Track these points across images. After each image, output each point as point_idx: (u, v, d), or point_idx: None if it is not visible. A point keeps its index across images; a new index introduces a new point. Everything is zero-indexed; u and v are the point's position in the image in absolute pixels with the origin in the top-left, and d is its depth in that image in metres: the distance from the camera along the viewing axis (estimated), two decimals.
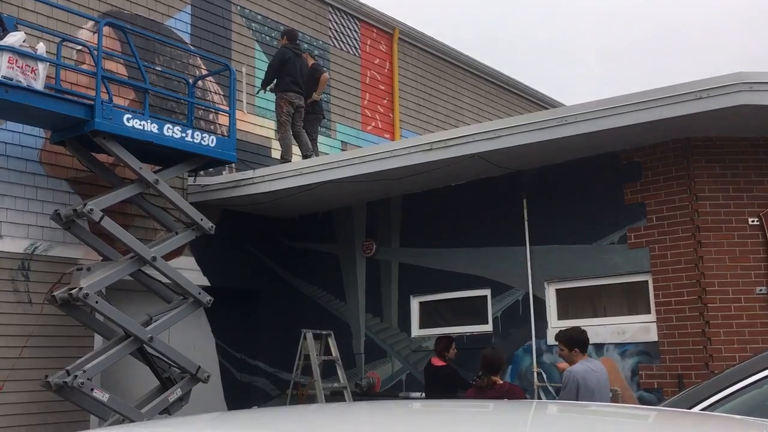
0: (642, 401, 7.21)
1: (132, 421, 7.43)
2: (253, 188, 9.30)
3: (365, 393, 9.42)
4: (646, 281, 7.48)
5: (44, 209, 8.17)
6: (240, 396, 10.32)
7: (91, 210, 7.43)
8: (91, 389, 7.14)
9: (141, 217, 8.94)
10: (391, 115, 13.23)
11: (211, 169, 9.72)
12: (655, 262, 7.36)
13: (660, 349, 7.20)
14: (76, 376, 7.03)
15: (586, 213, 7.90)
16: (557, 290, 8.15)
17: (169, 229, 8.77)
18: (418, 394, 8.94)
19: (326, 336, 9.34)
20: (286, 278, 10.81)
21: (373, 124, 12.87)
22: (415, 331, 9.33)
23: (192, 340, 9.80)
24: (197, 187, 9.53)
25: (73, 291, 7.25)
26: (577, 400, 5.83)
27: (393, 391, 9.29)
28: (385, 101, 13.18)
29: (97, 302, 7.34)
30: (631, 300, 7.65)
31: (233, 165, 10.19)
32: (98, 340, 8.44)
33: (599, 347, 7.64)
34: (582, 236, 7.90)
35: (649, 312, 7.43)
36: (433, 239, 9.21)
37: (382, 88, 13.15)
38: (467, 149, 7.76)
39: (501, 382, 6.14)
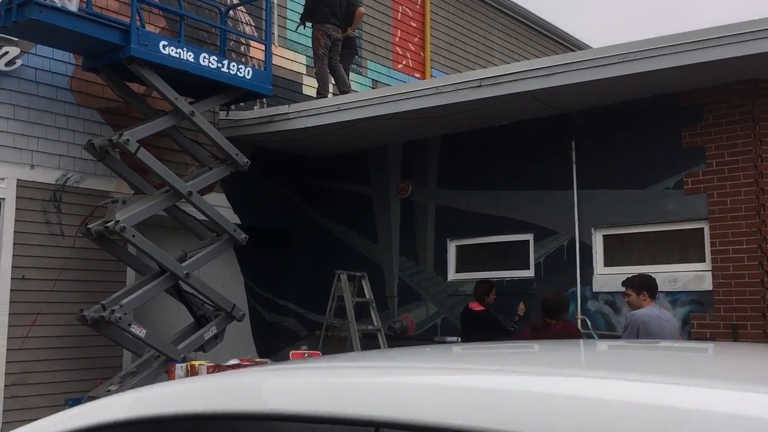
0: None
1: (168, 357, 7.29)
2: (287, 124, 8.98)
3: (398, 336, 9.27)
4: (702, 228, 7.21)
5: (75, 139, 7.88)
6: (268, 336, 10.20)
7: (128, 140, 7.13)
8: (129, 324, 6.97)
9: (172, 151, 8.64)
10: (421, 53, 12.79)
11: (242, 104, 9.39)
12: (713, 209, 7.08)
13: (714, 298, 6.97)
14: (113, 311, 6.85)
15: (640, 157, 7.59)
16: (605, 236, 7.89)
17: (202, 164, 8.48)
18: (453, 339, 8.78)
19: (360, 278, 9.15)
20: (317, 219, 10.57)
21: (404, 62, 12.45)
22: (452, 275, 9.12)
23: (221, 278, 9.61)
24: (229, 121, 9.21)
25: (109, 224, 7.01)
26: None
27: (427, 335, 9.14)
28: (416, 39, 12.73)
29: (133, 236, 7.11)
30: (684, 248, 7.39)
31: (264, 100, 9.87)
32: (130, 275, 8.26)
33: None
34: (634, 181, 7.61)
35: (703, 260, 7.18)
36: (472, 181, 8.92)
37: (414, 25, 12.68)
38: (519, 87, 7.40)
39: (554, 322, 5.94)
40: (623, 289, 7.49)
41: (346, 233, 10.24)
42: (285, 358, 9.52)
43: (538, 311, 7.96)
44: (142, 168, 7.97)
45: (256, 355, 9.96)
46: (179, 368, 6.31)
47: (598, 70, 7.04)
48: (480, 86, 7.60)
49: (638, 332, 5.64)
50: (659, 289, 7.28)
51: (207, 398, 1.85)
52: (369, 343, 8.92)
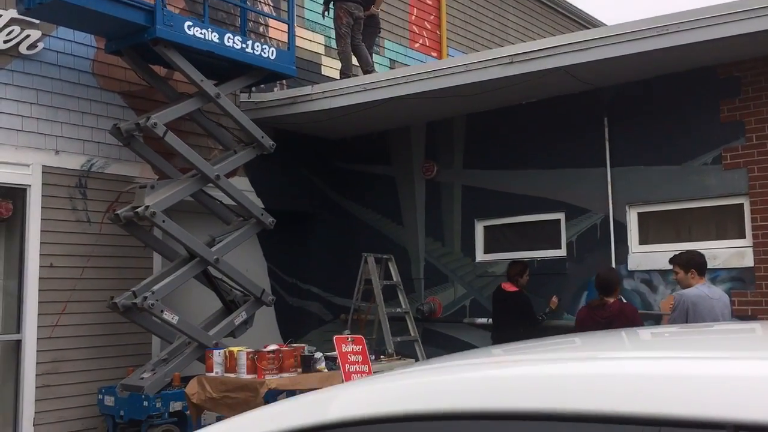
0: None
1: (200, 343, 7.19)
2: (311, 105, 8.82)
3: (426, 318, 9.17)
4: (742, 204, 7.08)
5: (99, 124, 7.73)
6: (292, 320, 10.10)
7: (155, 124, 6.99)
8: (161, 311, 6.86)
9: (194, 135, 8.47)
10: (437, 32, 12.60)
11: (262, 86, 9.22)
12: (754, 184, 6.94)
13: (756, 275, 6.85)
14: (145, 298, 6.74)
15: (676, 132, 7.44)
16: (639, 214, 7.76)
17: (226, 148, 8.34)
18: (483, 320, 8.68)
19: (386, 260, 9.04)
20: (339, 201, 10.44)
21: (420, 41, 12.26)
22: (480, 256, 9.01)
23: (244, 263, 9.47)
24: (250, 104, 9.05)
25: (138, 209, 6.87)
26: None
27: (456, 317, 9.04)
28: (431, 17, 12.53)
29: (164, 221, 6.99)
30: (723, 224, 7.27)
31: (285, 82, 9.70)
32: (157, 261, 8.15)
33: None
34: (670, 157, 7.46)
35: (744, 236, 7.06)
36: (499, 161, 8.78)
37: (429, 3, 12.47)
38: (553, 62, 7.23)
39: (612, 300, 5.81)
40: (659, 267, 7.43)
41: (370, 215, 10.11)
42: (310, 343, 9.43)
43: (568, 297, 7.89)
44: (167, 152, 7.85)
45: (281, 340, 9.88)
46: (217, 354, 6.21)
47: (635, 44, 6.87)
48: (512, 63, 7.44)
49: (687, 314, 5.50)
50: None
51: (471, 394, 1.69)
52: (396, 326, 8.82)
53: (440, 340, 9.12)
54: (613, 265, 7.75)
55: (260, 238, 9.60)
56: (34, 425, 7.01)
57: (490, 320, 8.48)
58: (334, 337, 5.72)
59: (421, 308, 9.17)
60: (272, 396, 5.68)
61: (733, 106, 7.11)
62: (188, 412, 6.81)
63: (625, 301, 5.86)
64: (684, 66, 7.31)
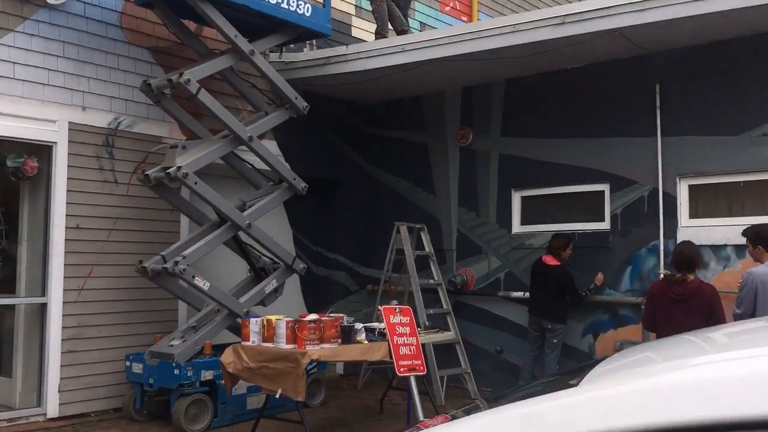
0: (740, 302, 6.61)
1: (231, 311, 6.92)
2: (345, 66, 8.46)
3: (458, 291, 8.88)
4: None
5: (126, 80, 7.40)
6: (317, 290, 9.83)
7: (188, 80, 6.64)
8: (193, 276, 6.58)
9: (223, 95, 8.11)
10: None
11: (292, 46, 8.85)
12: None
13: None
14: (176, 262, 6.45)
15: (733, 101, 7.07)
16: (690, 186, 7.42)
17: (257, 109, 8.00)
18: (519, 294, 8.39)
19: (418, 230, 8.73)
20: (368, 169, 10.11)
21: (451, 5, 11.84)
22: (516, 227, 8.69)
23: (269, 230, 9.16)
24: (280, 64, 8.66)
25: (169, 170, 6.56)
26: (754, 304, 5.21)
27: (489, 290, 8.75)
28: None
29: (196, 183, 6.67)
30: None
31: (314, 42, 9.32)
32: (184, 225, 7.85)
33: (741, 248, 6.96)
34: (726, 127, 7.10)
35: None
36: (540, 129, 8.42)
37: None
38: (608, 23, 6.84)
39: (692, 278, 5.50)
40: (710, 242, 7.11)
41: (400, 184, 9.78)
42: (337, 311, 9.16)
43: (611, 272, 7.58)
44: (196, 112, 7.52)
45: (305, 309, 9.63)
46: (254, 323, 5.93)
47: (696, 5, 6.48)
48: (563, 23, 7.05)
49: (756, 292, 5.18)
50: None
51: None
52: (427, 298, 8.52)
53: (472, 313, 8.85)
54: (662, 239, 7.44)
55: (286, 204, 9.25)
56: (59, 391, 6.77)
57: (527, 294, 8.20)
58: (382, 308, 5.44)
59: (453, 280, 8.88)
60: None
61: None
62: (222, 381, 6.56)
63: (707, 283, 5.55)
64: (742, 31, 6.91)
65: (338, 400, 7.95)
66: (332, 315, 6.03)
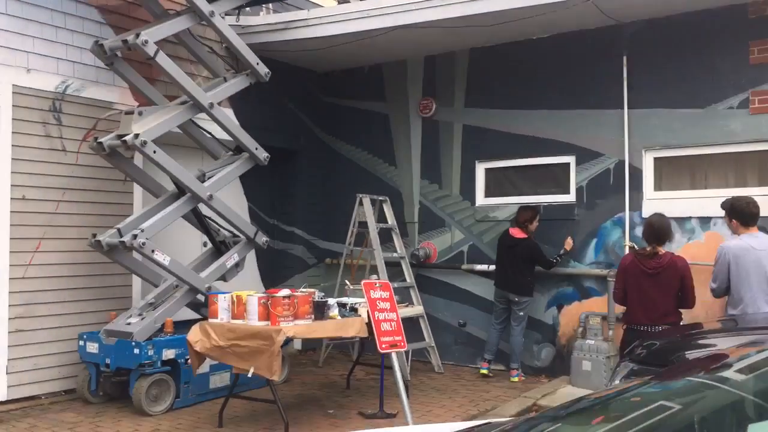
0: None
1: (192, 286, 6.60)
2: (306, 32, 8.13)
3: (421, 264, 8.75)
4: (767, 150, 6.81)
5: (74, 41, 6.90)
6: (273, 264, 9.55)
7: (146, 42, 6.22)
8: (152, 251, 6.22)
9: (177, 59, 7.68)
10: None
11: (248, 9, 8.46)
12: None
13: None
14: (135, 236, 6.08)
15: (700, 73, 7.08)
16: (655, 159, 7.43)
17: (214, 75, 7.61)
18: (483, 267, 8.31)
19: (381, 202, 8.53)
20: (326, 139, 9.83)
21: None
22: (480, 199, 8.58)
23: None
24: (237, 28, 8.22)
25: (126, 138, 6.15)
26: (728, 279, 5.21)
27: (453, 263, 8.65)
28: None
29: (154, 152, 6.29)
30: (748, 171, 7.00)
31: (270, 6, 8.95)
32: (137, 197, 7.45)
33: (705, 221, 7.07)
34: (693, 99, 7.12)
35: None
36: (505, 100, 8.30)
37: None
38: None
39: (662, 251, 5.46)
40: (674, 215, 7.14)
41: (360, 155, 9.55)
42: (293, 286, 8.92)
43: (577, 245, 7.56)
44: (150, 77, 7.09)
45: (261, 284, 9.35)
46: (222, 299, 5.64)
47: None
48: None
49: (729, 267, 5.17)
50: (717, 215, 6.93)
51: None
52: (389, 271, 8.35)
53: (436, 286, 8.74)
54: (627, 212, 7.45)
55: (241, 176, 8.93)
56: (7, 373, 6.35)
57: (492, 267, 8.13)
58: (363, 282, 5.23)
59: (416, 253, 8.74)
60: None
61: (764, 47, 6.77)
62: (184, 360, 6.27)
63: (680, 256, 5.50)
64: (712, 2, 6.91)
65: (301, 377, 7.74)
66: (304, 290, 5.80)
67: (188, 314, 7.33)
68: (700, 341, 3.75)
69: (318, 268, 9.79)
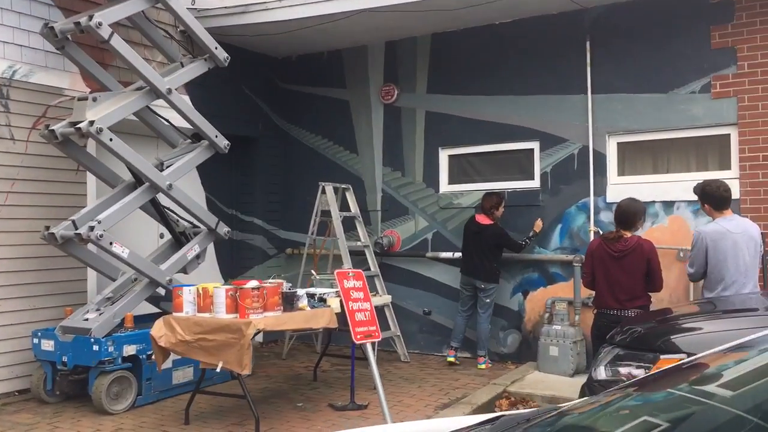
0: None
1: (152, 279, 6.36)
2: (265, 15, 7.91)
3: (385, 253, 8.64)
4: (728, 134, 6.89)
5: (21, 23, 6.55)
6: (233, 255, 9.32)
7: (100, 24, 5.92)
8: (110, 243, 5.95)
9: (130, 43, 7.37)
10: None
11: None
12: (743, 114, 6.75)
13: (741, 207, 6.72)
14: (92, 228, 5.81)
15: (663, 58, 7.12)
16: (619, 143, 7.46)
17: (170, 60, 7.33)
18: (448, 254, 8.25)
19: (343, 190, 8.38)
20: (285, 126, 9.62)
21: None
22: (444, 186, 8.51)
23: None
24: (193, 11, 7.94)
25: (81, 125, 5.86)
26: (705, 264, 5.22)
27: (417, 251, 8.56)
28: None
29: (111, 140, 6.01)
30: (709, 155, 7.08)
31: None
32: (91, 187, 7.14)
33: (668, 205, 7.12)
34: (656, 84, 7.16)
35: (729, 168, 6.90)
36: (468, 85, 8.23)
37: None
38: None
39: (629, 235, 5.44)
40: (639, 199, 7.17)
41: (320, 142, 9.36)
42: (252, 278, 8.71)
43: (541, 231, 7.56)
44: (103, 62, 6.79)
45: (219, 276, 9.12)
46: (187, 292, 5.43)
47: None
48: None
49: (707, 252, 5.17)
50: (680, 199, 7.02)
51: None
52: (353, 261, 8.22)
53: (400, 275, 8.65)
54: (592, 197, 7.47)
55: (197, 165, 8.66)
56: None
57: (457, 254, 8.08)
58: (336, 272, 5.08)
59: (379, 242, 8.62)
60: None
61: (725, 32, 6.84)
62: (146, 356, 6.04)
63: (647, 240, 5.49)
64: None
65: (265, 370, 7.56)
66: (273, 281, 5.62)
67: (147, 308, 7.08)
68: (684, 324, 3.73)
69: (278, 258, 9.59)
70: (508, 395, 6.59)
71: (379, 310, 7.99)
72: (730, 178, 6.78)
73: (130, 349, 6.01)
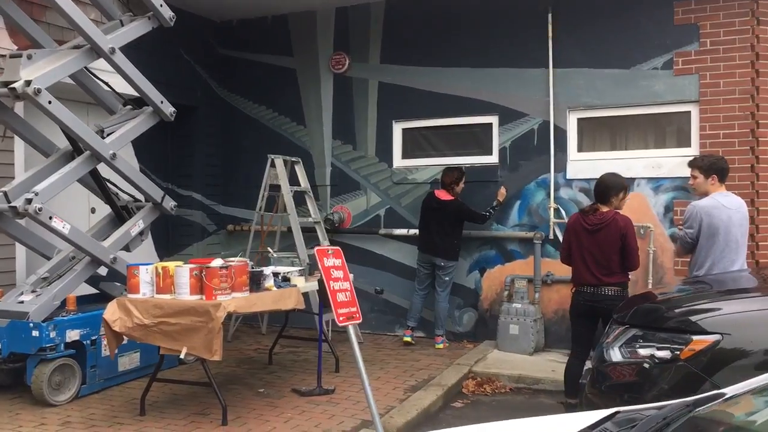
0: (675, 238, 6.83)
1: (95, 257, 5.79)
2: None
3: (335, 230, 8.29)
4: (689, 112, 6.90)
5: None
6: (170, 232, 8.75)
7: None
8: (50, 217, 5.36)
9: None
10: None
11: None
12: (705, 91, 6.77)
13: None
14: (29, 201, 5.20)
15: (626, 33, 7.05)
16: (579, 119, 7.37)
17: (109, 17, 6.67)
18: (403, 231, 7.99)
19: (293, 163, 7.95)
20: (225, 95, 9.07)
21: None
22: (398, 161, 8.22)
23: None
24: None
25: (15, 85, 5.21)
26: (698, 238, 5.13)
27: (369, 228, 8.25)
28: None
29: (50, 102, 5.38)
30: (668, 132, 7.08)
31: None
32: (19, 156, 6.45)
33: (629, 182, 7.02)
34: (619, 60, 7.08)
35: (689, 145, 6.92)
36: (424, 56, 7.94)
37: None
38: None
39: (605, 209, 5.29)
40: (598, 175, 7.10)
41: (263, 113, 8.88)
42: (191, 257, 8.20)
43: (500, 207, 7.40)
44: (32, 16, 6.10)
45: (155, 255, 8.53)
46: (144, 272, 4.93)
47: None
48: None
49: (701, 226, 5.08)
50: (641, 176, 7.02)
51: None
52: (304, 237, 7.84)
53: (350, 252, 8.23)
54: (552, 173, 7.36)
55: None
56: None
57: (412, 231, 7.83)
58: (315, 249, 4.70)
59: (330, 218, 8.26)
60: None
61: (688, 8, 6.82)
62: (93, 342, 5.50)
63: (624, 215, 5.35)
64: None
65: None
66: (240, 259, 5.20)
67: (86, 290, 6.49)
68: (706, 304, 3.59)
69: (218, 235, 9.08)
70: (473, 375, 6.42)
71: None
72: (690, 155, 6.74)
73: (73, 335, 5.45)
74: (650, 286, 6.79)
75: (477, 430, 1.75)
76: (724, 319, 3.31)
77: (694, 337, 3.25)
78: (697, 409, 1.67)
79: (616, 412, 1.83)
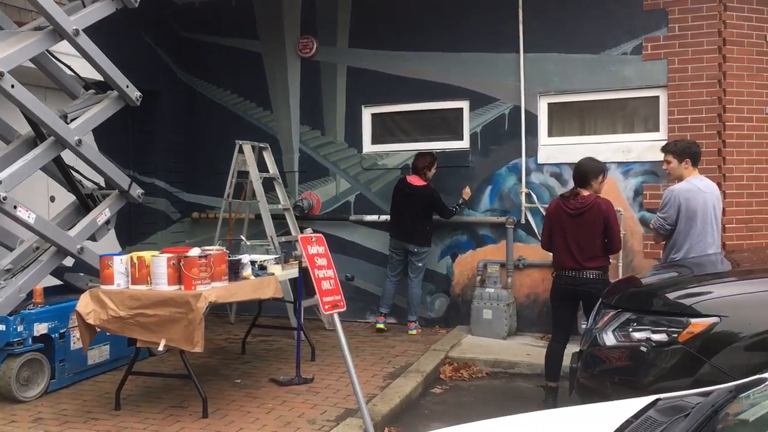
0: (644, 222, 6.94)
1: (61, 248, 5.59)
2: None
3: (304, 216, 8.18)
4: (658, 96, 6.98)
5: None
6: (132, 221, 8.51)
7: None
8: (15, 206, 5.13)
9: None
10: None
11: None
12: (673, 77, 6.85)
13: None
14: None
15: (595, 18, 7.08)
16: (549, 104, 7.39)
17: None
18: (373, 218, 7.93)
19: (261, 149, 7.80)
20: (188, 80, 8.84)
21: None
22: (367, 147, 8.13)
23: None
24: None
25: None
26: (676, 222, 5.19)
27: (339, 214, 8.17)
28: None
29: (13, 86, 5.15)
30: (636, 117, 7.15)
31: None
32: None
33: None
34: (588, 45, 7.12)
35: (658, 130, 7.01)
36: (394, 40, 7.86)
37: None
38: None
39: (586, 193, 5.30)
40: (569, 160, 7.15)
41: (228, 98, 8.68)
42: (155, 246, 8.01)
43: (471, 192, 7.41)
44: None
45: (117, 244, 8.29)
46: (118, 262, 4.76)
47: None
48: None
49: (679, 210, 5.14)
50: (611, 160, 7.07)
51: None
52: (273, 224, 7.71)
53: None
54: (524, 158, 7.38)
55: None
56: None
57: (383, 217, 7.78)
58: (299, 237, 4.60)
59: (299, 204, 8.14)
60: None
61: None
62: (62, 335, 5.31)
63: (605, 198, 5.37)
64: None
65: None
66: (219, 248, 5.07)
67: (50, 281, 6.26)
68: (699, 287, 3.62)
69: (183, 223, 8.87)
70: (450, 361, 6.42)
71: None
72: (658, 140, 6.89)
73: (41, 328, 5.25)
74: (620, 270, 6.86)
75: (518, 420, 1.71)
76: (721, 301, 3.35)
77: (693, 320, 3.28)
78: (740, 395, 1.66)
79: (657, 400, 1.81)
